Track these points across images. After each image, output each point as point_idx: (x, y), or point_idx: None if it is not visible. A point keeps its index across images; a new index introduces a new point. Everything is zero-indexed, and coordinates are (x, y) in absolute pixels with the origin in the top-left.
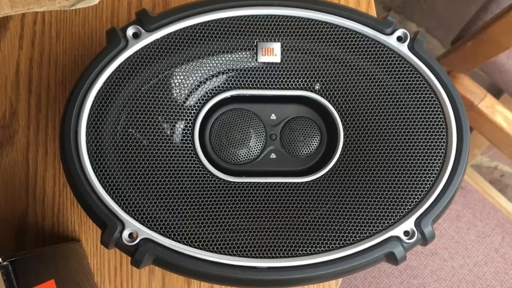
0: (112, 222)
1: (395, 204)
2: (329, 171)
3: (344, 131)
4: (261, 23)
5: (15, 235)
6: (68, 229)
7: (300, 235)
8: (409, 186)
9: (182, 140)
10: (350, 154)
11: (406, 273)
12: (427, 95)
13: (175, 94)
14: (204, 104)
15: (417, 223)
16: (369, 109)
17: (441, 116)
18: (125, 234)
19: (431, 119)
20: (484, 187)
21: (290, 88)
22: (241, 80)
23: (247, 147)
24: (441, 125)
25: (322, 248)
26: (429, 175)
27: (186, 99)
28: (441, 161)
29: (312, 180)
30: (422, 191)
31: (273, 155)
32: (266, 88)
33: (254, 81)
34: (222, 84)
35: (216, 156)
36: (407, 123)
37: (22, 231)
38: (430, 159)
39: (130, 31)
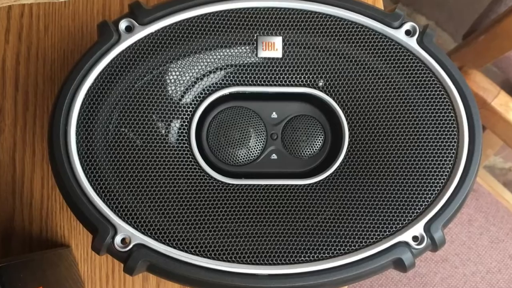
0: (103, 227)
1: (403, 207)
2: (333, 172)
3: (349, 130)
4: (261, 16)
5: (1, 241)
6: (57, 234)
7: (303, 240)
8: (418, 188)
9: (177, 139)
10: (356, 154)
11: (415, 280)
12: (437, 93)
13: (170, 91)
14: (201, 101)
15: (427, 228)
16: (375, 107)
17: (452, 114)
18: (118, 239)
19: (441, 118)
20: (497, 190)
21: (292, 85)
22: (240, 76)
23: (247, 147)
24: (452, 124)
25: (326, 254)
26: (439, 176)
27: (182, 96)
28: (452, 162)
29: (315, 182)
30: (431, 193)
31: (274, 156)
32: (266, 85)
33: (254, 77)
34: (220, 81)
35: (213, 157)
36: (416, 122)
37: (9, 236)
38: (440, 160)
39: (122, 25)
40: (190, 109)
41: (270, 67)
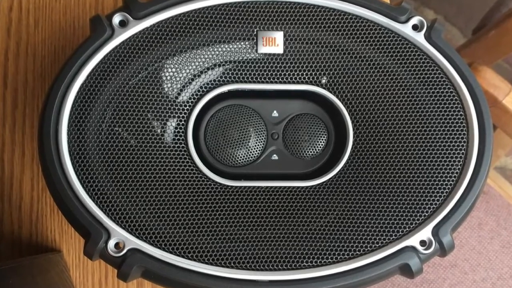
0: (96, 231)
1: (410, 210)
2: (337, 174)
3: (353, 129)
4: (261, 9)
5: None
6: (47, 238)
7: (305, 245)
8: (426, 190)
9: (174, 139)
10: (360, 155)
11: (423, 287)
12: (446, 90)
13: (166, 89)
14: (199, 99)
15: (435, 232)
16: (381, 105)
17: (461, 113)
18: (111, 244)
19: (450, 117)
20: (509, 192)
21: (293, 82)
22: (239, 73)
23: (246, 148)
24: (462, 123)
25: (330, 260)
26: (448, 178)
27: (179, 94)
28: (461, 163)
29: (318, 184)
30: (440, 196)
31: (275, 157)
32: (267, 82)
33: (254, 74)
34: (219, 78)
35: (211, 158)
36: (424, 121)
37: None
38: (449, 161)
39: (116, 19)
40: (187, 107)
41: (271, 63)
